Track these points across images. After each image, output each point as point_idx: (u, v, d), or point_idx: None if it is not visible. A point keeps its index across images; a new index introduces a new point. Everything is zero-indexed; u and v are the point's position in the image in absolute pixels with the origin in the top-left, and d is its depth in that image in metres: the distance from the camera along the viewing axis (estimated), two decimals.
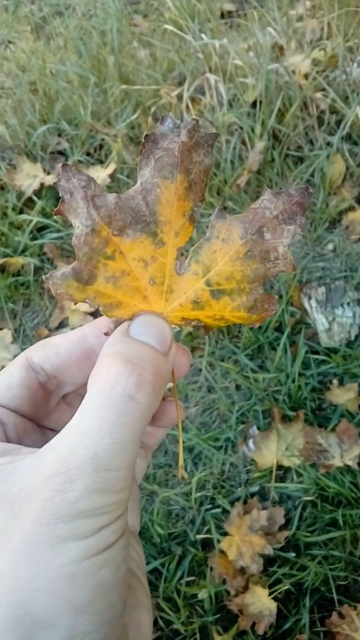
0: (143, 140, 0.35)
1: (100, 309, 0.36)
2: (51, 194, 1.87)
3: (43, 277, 0.36)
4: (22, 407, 0.39)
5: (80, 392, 0.42)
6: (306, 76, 1.84)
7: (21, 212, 1.86)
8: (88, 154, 2.01)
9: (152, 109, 1.92)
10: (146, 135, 0.35)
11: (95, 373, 0.32)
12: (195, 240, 0.38)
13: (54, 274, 0.36)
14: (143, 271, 0.37)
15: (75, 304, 0.37)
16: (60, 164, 0.36)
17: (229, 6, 2.47)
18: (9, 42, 2.75)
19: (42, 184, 1.85)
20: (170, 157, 0.35)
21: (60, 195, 0.35)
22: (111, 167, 1.84)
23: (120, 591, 0.30)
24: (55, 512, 0.28)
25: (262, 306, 0.38)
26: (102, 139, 2.00)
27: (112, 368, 0.31)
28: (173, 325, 0.38)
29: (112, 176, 1.83)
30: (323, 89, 1.80)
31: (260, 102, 1.76)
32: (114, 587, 0.29)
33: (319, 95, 1.79)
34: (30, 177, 1.88)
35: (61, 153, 2.04)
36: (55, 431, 0.40)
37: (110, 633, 0.29)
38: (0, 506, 0.30)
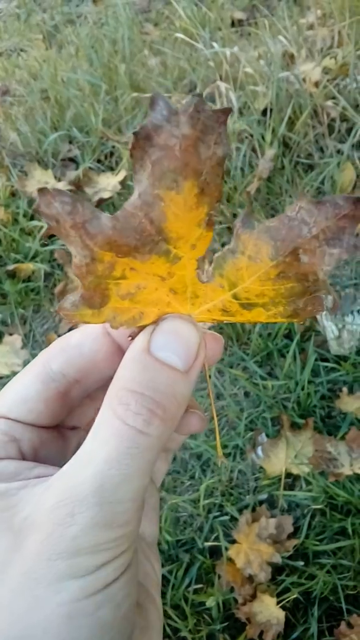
0: (132, 138, 0.27)
1: (124, 327, 0.32)
2: None
3: (52, 310, 0.34)
4: (39, 420, 0.37)
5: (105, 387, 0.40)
6: (317, 84, 1.85)
7: (32, 218, 1.87)
8: (99, 161, 2.02)
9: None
10: (135, 132, 0.27)
11: (108, 397, 0.31)
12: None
13: (63, 305, 0.32)
14: (161, 283, 0.32)
15: None
16: (38, 188, 0.29)
17: (239, 15, 2.49)
18: (21, 50, 2.79)
19: None
20: (171, 159, 0.27)
21: (45, 221, 0.29)
22: (122, 174, 1.85)
23: (122, 629, 0.29)
24: (55, 547, 0.27)
25: (304, 310, 0.32)
26: (113, 146, 2.01)
27: (123, 402, 0.30)
28: (203, 323, 0.34)
29: (122, 183, 1.84)
30: (333, 97, 1.81)
31: (271, 110, 1.77)
32: (113, 626, 0.28)
33: (329, 103, 1.79)
34: (41, 183, 1.90)
35: (72, 160, 2.05)
36: (76, 429, 0.40)
37: None
38: (5, 535, 0.29)
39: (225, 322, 0.35)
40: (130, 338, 0.34)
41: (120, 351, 0.35)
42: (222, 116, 0.28)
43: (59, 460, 0.35)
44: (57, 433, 0.39)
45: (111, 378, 0.32)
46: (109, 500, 0.28)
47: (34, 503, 0.30)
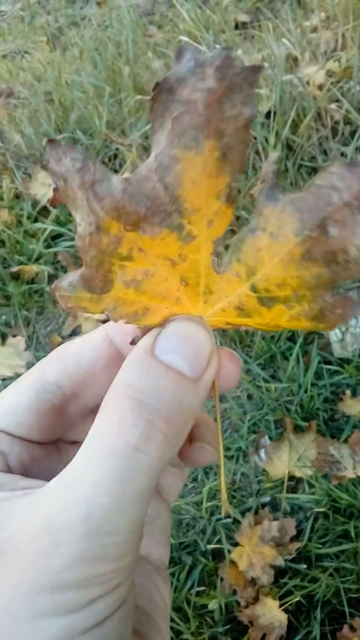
0: (153, 90, 0.25)
1: (124, 320, 0.29)
2: None
3: (48, 288, 0.29)
4: (30, 433, 0.33)
5: None
6: (320, 87, 1.85)
7: (36, 220, 1.88)
8: (102, 163, 2.03)
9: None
10: (157, 83, 0.25)
11: (102, 408, 0.27)
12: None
13: (60, 283, 0.29)
14: (172, 270, 0.28)
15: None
16: (48, 139, 0.27)
17: (243, 17, 2.49)
18: (25, 52, 2.79)
19: None
20: (194, 114, 0.25)
21: (52, 182, 0.27)
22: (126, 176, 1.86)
23: None
24: (37, 580, 0.24)
25: (332, 312, 0.28)
26: (117, 149, 2.02)
27: (117, 411, 0.26)
28: (217, 328, 0.31)
29: None
30: (337, 100, 1.81)
31: (274, 113, 1.77)
32: None
33: (333, 106, 1.79)
34: (45, 186, 1.91)
35: None
36: (78, 444, 0.35)
37: None
38: None
39: (242, 327, 0.31)
40: (131, 343, 0.30)
41: (122, 362, 0.30)
42: (252, 75, 0.25)
43: None
44: (55, 449, 0.35)
45: None
46: (98, 531, 0.24)
47: (18, 522, 0.26)
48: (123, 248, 0.27)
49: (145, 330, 0.30)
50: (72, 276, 0.29)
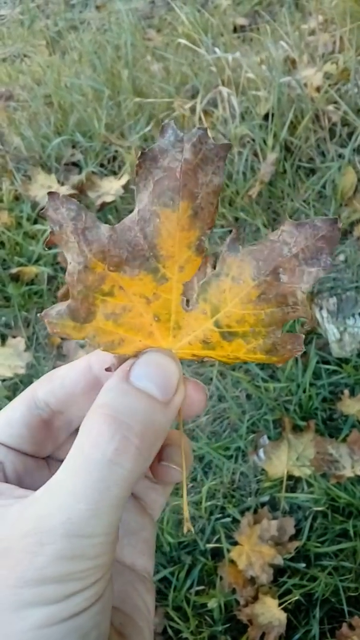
0: (139, 158, 0.30)
1: (101, 348, 0.33)
2: None
3: (39, 315, 0.33)
4: (23, 445, 0.37)
5: None
6: (318, 89, 1.86)
7: (35, 222, 1.89)
8: (102, 165, 2.04)
9: (165, 122, 1.95)
10: (142, 152, 0.30)
11: (82, 425, 0.30)
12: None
13: (49, 311, 0.33)
14: (146, 307, 0.33)
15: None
16: (48, 192, 0.31)
17: (241, 20, 2.51)
18: (25, 55, 2.81)
19: None
20: (172, 179, 0.30)
21: (49, 226, 0.32)
22: (124, 178, 1.87)
23: None
24: (23, 575, 0.27)
25: (283, 347, 0.33)
26: (116, 151, 2.03)
27: (95, 427, 0.29)
28: (185, 359, 0.35)
29: (125, 187, 1.86)
30: (335, 102, 1.82)
31: (273, 115, 1.78)
32: None
33: (330, 107, 1.81)
34: (44, 187, 1.91)
35: (75, 164, 2.07)
36: None
37: None
38: None
39: (206, 358, 0.35)
40: (107, 370, 0.34)
41: (100, 388, 0.34)
42: (222, 151, 0.31)
43: None
44: (45, 465, 0.39)
45: None
46: (77, 534, 0.27)
47: (9, 526, 0.29)
48: (106, 285, 0.32)
49: (120, 359, 0.34)
50: (60, 306, 0.33)
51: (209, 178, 0.31)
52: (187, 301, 0.33)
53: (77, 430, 0.37)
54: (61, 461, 0.38)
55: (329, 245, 0.31)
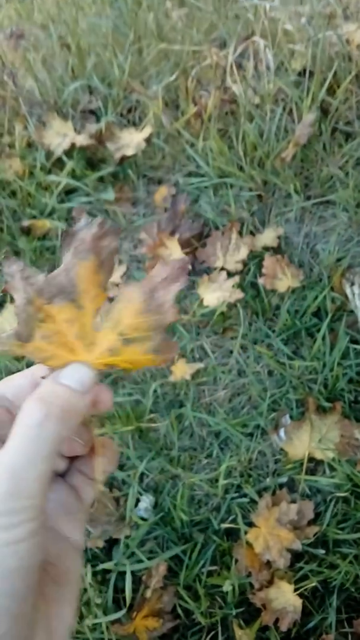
0: (64, 235, 0.44)
1: (38, 361, 0.44)
2: (82, 155, 1.78)
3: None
4: None
5: None
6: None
7: (49, 172, 1.76)
8: (121, 114, 1.90)
9: (194, 72, 1.81)
10: (65, 232, 0.44)
11: (22, 407, 0.40)
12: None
13: (1, 335, 0.44)
14: (70, 329, 0.44)
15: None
16: (4, 256, 0.43)
17: None
18: None
19: (72, 144, 1.75)
20: (85, 244, 0.44)
21: (4, 278, 0.43)
22: (147, 131, 1.74)
23: (24, 577, 0.37)
24: None
25: (164, 350, 0.45)
26: (137, 100, 1.89)
27: (30, 405, 0.40)
28: (99, 369, 0.45)
29: (148, 140, 1.73)
30: None
31: (311, 72, 1.65)
32: (14, 571, 0.36)
33: None
34: (60, 135, 1.78)
35: (92, 112, 1.93)
36: None
37: (12, 608, 0.36)
38: None
39: (112, 367, 0.45)
40: (42, 377, 0.45)
41: None
42: (116, 231, 0.45)
43: None
44: None
45: None
46: (18, 476, 0.37)
47: None
48: (41, 314, 0.44)
49: (52, 369, 0.44)
50: (8, 332, 0.44)
51: (108, 243, 0.44)
52: (97, 324, 0.45)
53: None
54: None
55: (183, 272, 0.45)
